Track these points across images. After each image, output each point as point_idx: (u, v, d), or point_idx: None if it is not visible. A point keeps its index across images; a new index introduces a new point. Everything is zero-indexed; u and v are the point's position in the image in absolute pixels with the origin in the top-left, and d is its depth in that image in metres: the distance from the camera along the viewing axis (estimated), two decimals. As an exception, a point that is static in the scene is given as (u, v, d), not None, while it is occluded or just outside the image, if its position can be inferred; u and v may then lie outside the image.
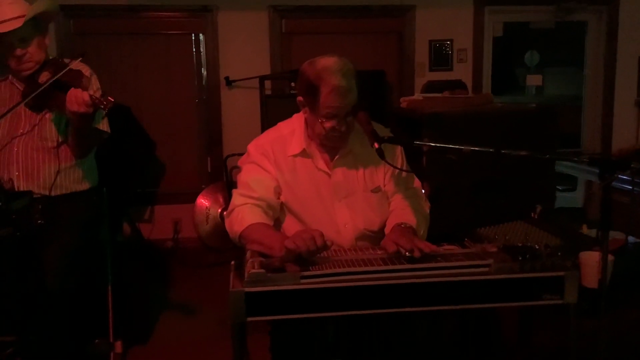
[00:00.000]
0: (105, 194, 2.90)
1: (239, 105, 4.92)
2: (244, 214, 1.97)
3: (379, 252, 1.86)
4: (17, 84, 2.58)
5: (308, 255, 1.72)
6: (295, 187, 2.06)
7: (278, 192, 2.06)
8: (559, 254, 1.73)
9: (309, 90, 1.93)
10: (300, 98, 2.01)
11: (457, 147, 1.83)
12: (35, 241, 2.35)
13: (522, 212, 2.75)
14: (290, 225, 2.08)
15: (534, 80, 7.48)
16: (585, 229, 2.56)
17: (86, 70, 2.59)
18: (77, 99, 2.31)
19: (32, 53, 2.49)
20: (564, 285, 1.70)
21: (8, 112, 2.47)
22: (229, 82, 4.86)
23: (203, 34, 4.90)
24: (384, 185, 2.13)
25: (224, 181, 4.79)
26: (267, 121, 3.96)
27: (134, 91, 4.85)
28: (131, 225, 4.42)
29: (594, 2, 5.26)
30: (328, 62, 1.92)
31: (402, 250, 1.77)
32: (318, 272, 1.68)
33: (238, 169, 2.17)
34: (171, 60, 4.94)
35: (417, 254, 1.75)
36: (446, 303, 1.69)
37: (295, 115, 2.14)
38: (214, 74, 4.90)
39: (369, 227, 2.08)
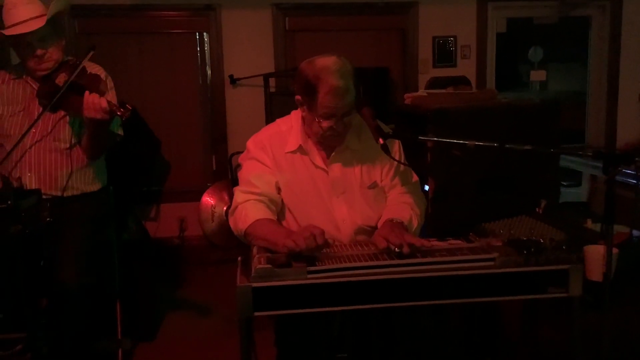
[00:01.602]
0: (112, 192, 2.92)
1: (243, 103, 4.93)
2: (248, 210, 1.98)
3: (371, 247, 1.87)
4: (31, 83, 2.59)
5: (308, 253, 1.73)
6: (294, 183, 2.07)
7: (279, 187, 2.07)
8: (564, 247, 1.74)
9: (307, 89, 1.94)
10: (298, 97, 2.02)
11: (461, 142, 1.84)
12: (44, 239, 2.37)
13: (527, 207, 2.75)
14: (290, 222, 2.10)
15: (537, 75, 7.44)
16: (589, 224, 2.57)
17: (102, 73, 2.60)
18: (94, 105, 2.33)
19: (52, 52, 2.51)
20: (569, 279, 1.71)
21: (35, 121, 2.47)
22: (233, 81, 4.87)
23: (207, 33, 4.91)
24: (381, 181, 2.14)
25: (229, 179, 4.81)
26: (272, 119, 3.94)
27: (138, 90, 4.85)
28: (137, 224, 4.43)
29: (597, -3, 5.26)
30: (327, 61, 1.93)
31: (392, 246, 1.78)
32: (325, 267, 1.70)
33: (240, 166, 2.18)
34: (175, 59, 4.95)
35: (406, 249, 1.76)
36: (452, 297, 1.71)
37: (293, 112, 2.15)
38: (218, 73, 4.91)
39: (367, 223, 2.09)
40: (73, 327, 2.50)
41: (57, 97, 2.42)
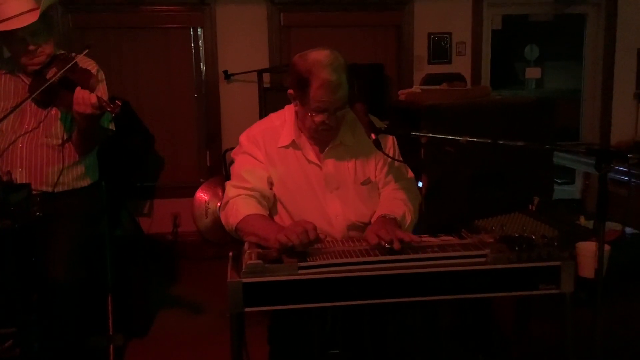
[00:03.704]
0: (104, 187, 2.90)
1: (237, 99, 4.91)
2: (239, 205, 1.97)
3: (363, 243, 1.86)
4: (23, 78, 2.57)
5: (301, 248, 1.73)
6: (287, 178, 2.06)
7: (271, 182, 2.06)
8: (556, 244, 1.74)
9: (300, 83, 1.93)
10: (291, 91, 2.01)
11: (454, 137, 1.84)
12: (34, 234, 2.36)
13: (520, 204, 2.75)
14: (282, 217, 2.09)
15: (533, 73, 7.46)
16: (582, 220, 2.57)
17: (93, 67, 2.58)
18: (84, 100, 2.31)
19: (44, 47, 2.49)
20: (561, 275, 1.71)
21: (16, 107, 2.46)
22: (227, 76, 4.85)
23: (201, 28, 4.89)
24: (375, 177, 2.13)
25: (223, 175, 4.80)
26: (266, 114, 3.91)
27: (132, 85, 4.84)
28: (130, 219, 4.41)
29: (593, -5, 5.26)
30: (319, 55, 1.92)
31: (383, 242, 1.77)
32: (316, 263, 1.69)
33: (233, 160, 2.17)
34: (170, 54, 4.93)
35: (397, 245, 1.75)
36: (443, 293, 1.71)
37: (286, 107, 2.14)
38: (212, 68, 4.90)
39: (360, 219, 2.09)
40: (64, 322, 2.49)
41: (46, 89, 2.41)
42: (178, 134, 5.01)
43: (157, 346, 3.32)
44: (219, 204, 4.62)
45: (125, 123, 4.35)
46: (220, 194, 4.67)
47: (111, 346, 2.99)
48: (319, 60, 1.90)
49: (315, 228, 1.74)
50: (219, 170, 4.90)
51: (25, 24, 2.39)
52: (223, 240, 4.43)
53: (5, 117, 2.46)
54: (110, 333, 2.99)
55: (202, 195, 4.74)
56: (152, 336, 3.44)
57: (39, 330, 2.38)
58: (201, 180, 4.90)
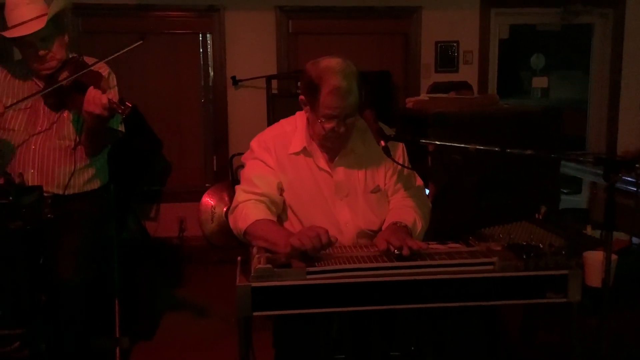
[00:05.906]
0: (112, 191, 2.92)
1: (245, 105, 4.94)
2: (248, 210, 1.98)
3: (371, 249, 1.87)
4: (37, 81, 2.60)
5: (313, 253, 1.74)
6: (297, 185, 2.07)
7: (281, 188, 2.07)
8: (563, 253, 1.74)
9: (310, 89, 1.94)
10: (302, 97, 2.02)
11: (462, 145, 1.85)
12: (44, 236, 2.37)
13: (527, 213, 2.76)
14: (292, 223, 2.09)
15: (539, 82, 7.46)
16: (589, 230, 2.57)
17: (105, 70, 2.61)
18: (94, 100, 2.33)
19: (55, 52, 2.51)
20: (568, 284, 1.71)
21: (24, 100, 2.48)
22: (235, 82, 4.88)
23: (210, 34, 4.92)
24: (385, 184, 2.13)
25: (230, 180, 4.82)
26: (274, 121, 3.93)
27: (141, 90, 4.86)
28: (137, 223, 4.43)
29: (600, 5, 5.26)
30: (331, 62, 1.93)
31: (392, 248, 1.79)
32: (324, 268, 1.70)
33: (243, 165, 2.19)
34: (178, 59, 4.96)
35: (406, 252, 1.76)
36: (451, 300, 1.71)
37: (298, 113, 2.14)
38: (220, 74, 4.92)
39: (369, 227, 2.09)
40: (71, 324, 2.50)
41: (57, 90, 2.44)
42: (185, 138, 5.03)
43: (162, 349, 3.33)
44: (225, 209, 4.65)
45: (134, 127, 4.38)
46: (227, 199, 4.69)
47: (117, 348, 3.00)
48: (330, 66, 1.91)
49: (327, 232, 1.75)
50: (225, 176, 4.92)
51: (33, 31, 2.41)
52: (228, 245, 4.45)
53: (13, 105, 2.48)
54: (117, 335, 3.00)
55: (208, 200, 4.76)
56: (158, 339, 3.45)
57: (46, 331, 2.39)
58: (207, 185, 4.92)
